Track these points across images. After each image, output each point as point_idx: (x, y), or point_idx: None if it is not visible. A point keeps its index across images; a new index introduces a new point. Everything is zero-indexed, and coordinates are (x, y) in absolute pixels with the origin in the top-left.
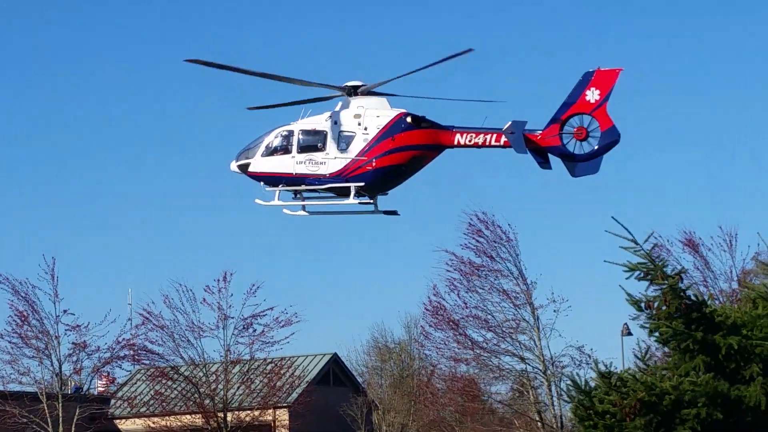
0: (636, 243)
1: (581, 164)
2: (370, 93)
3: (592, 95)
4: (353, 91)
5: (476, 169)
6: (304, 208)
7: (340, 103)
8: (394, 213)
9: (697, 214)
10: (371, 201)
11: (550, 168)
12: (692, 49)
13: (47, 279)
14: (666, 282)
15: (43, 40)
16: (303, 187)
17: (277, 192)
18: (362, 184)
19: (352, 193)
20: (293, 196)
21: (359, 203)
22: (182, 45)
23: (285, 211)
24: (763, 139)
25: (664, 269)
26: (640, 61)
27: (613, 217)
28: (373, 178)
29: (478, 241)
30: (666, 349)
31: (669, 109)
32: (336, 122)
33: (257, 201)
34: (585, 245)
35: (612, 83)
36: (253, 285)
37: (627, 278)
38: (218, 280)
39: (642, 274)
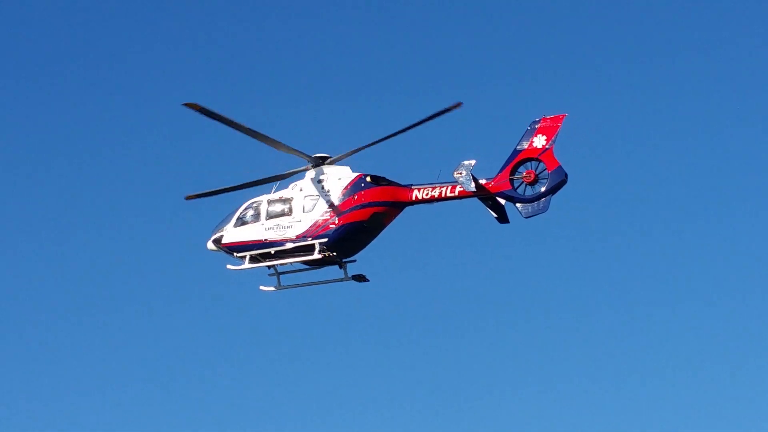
0: None
1: (532, 204)
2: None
3: (539, 141)
4: (321, 162)
5: None
6: (278, 279)
7: (306, 173)
8: (363, 279)
9: None
10: (335, 254)
11: (507, 222)
12: None
13: None
14: None
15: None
16: (272, 250)
17: (247, 256)
18: (326, 240)
19: (317, 249)
20: (267, 268)
21: (324, 257)
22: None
23: (261, 288)
24: None
25: None
26: None
27: None
28: (336, 235)
29: None
30: None
31: None
32: (302, 189)
33: (229, 266)
34: None
35: (557, 128)
36: None
37: None
38: None
39: None
